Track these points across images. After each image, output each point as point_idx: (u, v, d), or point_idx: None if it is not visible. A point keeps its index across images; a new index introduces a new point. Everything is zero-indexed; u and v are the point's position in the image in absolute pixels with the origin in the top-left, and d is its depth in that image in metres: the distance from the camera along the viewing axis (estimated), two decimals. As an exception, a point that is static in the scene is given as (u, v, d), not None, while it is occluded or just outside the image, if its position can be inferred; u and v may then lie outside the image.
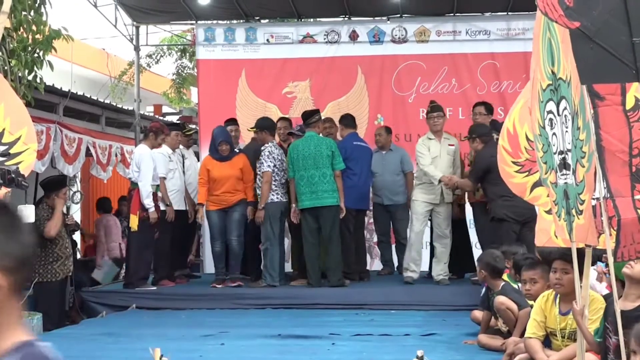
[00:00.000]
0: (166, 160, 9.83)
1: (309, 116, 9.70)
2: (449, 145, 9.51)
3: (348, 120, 10.17)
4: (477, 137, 8.86)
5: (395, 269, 10.56)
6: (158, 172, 9.65)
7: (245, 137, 11.10)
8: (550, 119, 4.23)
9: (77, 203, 12.02)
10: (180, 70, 18.45)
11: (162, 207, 9.82)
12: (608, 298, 5.12)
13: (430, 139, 9.49)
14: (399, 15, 12.00)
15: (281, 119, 10.77)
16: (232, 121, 10.77)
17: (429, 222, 9.65)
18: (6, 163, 5.03)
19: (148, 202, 9.46)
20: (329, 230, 9.36)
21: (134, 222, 9.41)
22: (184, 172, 10.29)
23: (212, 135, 9.81)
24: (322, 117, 10.35)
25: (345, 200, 9.39)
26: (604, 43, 3.29)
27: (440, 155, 9.40)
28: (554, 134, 4.22)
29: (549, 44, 4.08)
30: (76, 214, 11.77)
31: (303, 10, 12.30)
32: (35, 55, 8.04)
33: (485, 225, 9.01)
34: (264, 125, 9.94)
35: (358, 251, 9.95)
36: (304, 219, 9.41)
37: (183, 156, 10.39)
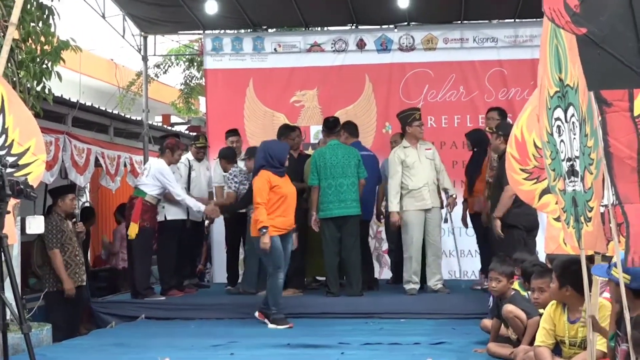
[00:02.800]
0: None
1: (334, 125, 9.71)
2: (426, 149, 9.50)
3: (352, 129, 10.13)
4: (503, 136, 8.43)
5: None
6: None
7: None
8: (558, 126, 4.23)
9: (86, 213, 12.04)
10: (188, 80, 18.51)
11: (170, 217, 9.85)
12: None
13: (405, 147, 9.45)
14: (406, 23, 12.00)
15: (294, 127, 10.60)
16: (234, 132, 10.77)
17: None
18: (15, 174, 5.04)
19: (198, 206, 9.68)
20: (353, 239, 9.41)
21: (133, 230, 9.41)
22: (189, 182, 10.29)
23: (266, 148, 8.51)
24: None
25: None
26: (611, 49, 3.28)
27: (420, 160, 9.37)
28: (562, 141, 4.21)
29: (556, 50, 4.08)
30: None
31: (310, 19, 12.32)
32: (44, 66, 8.07)
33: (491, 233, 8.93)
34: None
35: (365, 261, 9.94)
36: (327, 228, 9.36)
37: (190, 167, 10.38)
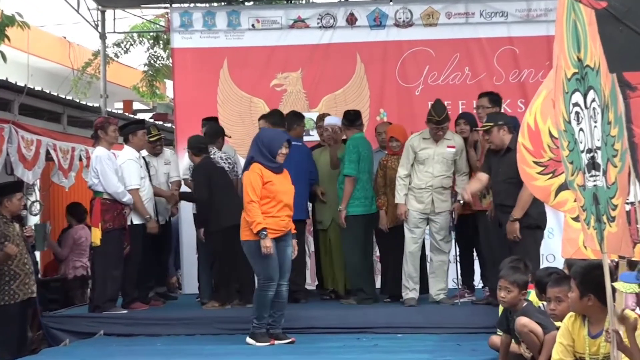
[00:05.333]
0: (137, 167, 9.81)
1: (356, 117, 9.97)
2: (448, 147, 9.46)
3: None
4: (505, 125, 8.56)
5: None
6: (131, 182, 9.69)
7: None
8: (577, 113, 4.24)
9: (35, 214, 12.03)
10: (152, 61, 18.44)
11: (136, 221, 9.83)
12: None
13: (425, 138, 9.48)
14: (403, -5, 12.00)
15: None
16: (211, 120, 10.79)
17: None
18: (-48, 170, 5.03)
19: (128, 199, 9.57)
20: (370, 241, 9.93)
21: (96, 236, 9.40)
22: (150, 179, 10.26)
23: (260, 139, 8.45)
24: (319, 113, 10.96)
25: None
26: (635, 25, 3.29)
27: (434, 157, 9.40)
28: (581, 129, 4.22)
29: (574, 26, 4.09)
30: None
31: (293, -10, 12.31)
32: (-15, 45, 8.05)
33: (495, 237, 8.94)
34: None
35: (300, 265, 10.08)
36: (358, 227, 9.64)
37: (147, 164, 10.33)
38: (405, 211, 9.36)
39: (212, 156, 10.05)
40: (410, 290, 9.42)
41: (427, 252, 9.85)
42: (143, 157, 10.36)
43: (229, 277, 9.79)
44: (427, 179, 9.38)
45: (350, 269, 9.82)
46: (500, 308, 6.86)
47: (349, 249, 9.72)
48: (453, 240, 9.71)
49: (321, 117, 10.66)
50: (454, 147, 9.48)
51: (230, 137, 10.82)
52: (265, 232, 8.05)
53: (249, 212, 8.14)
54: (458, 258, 10.01)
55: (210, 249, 9.95)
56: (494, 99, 9.55)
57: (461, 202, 9.42)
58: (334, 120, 10.28)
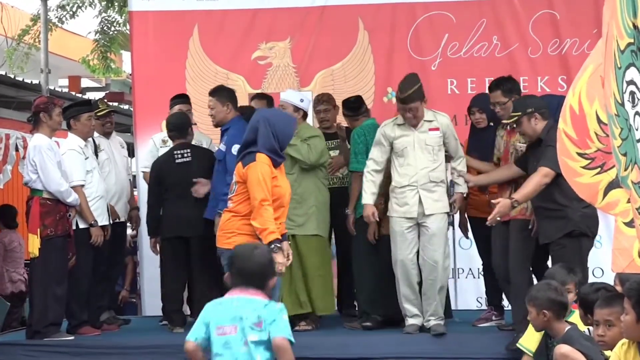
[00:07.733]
0: (82, 159, 9.77)
1: (361, 103, 10.24)
2: (430, 130, 9.38)
3: (230, 95, 10.08)
4: (536, 111, 8.49)
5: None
6: (73, 178, 9.67)
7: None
8: (632, 93, 4.25)
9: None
10: (106, 27, 18.43)
11: (82, 225, 9.80)
12: None
13: (399, 125, 9.38)
14: (416, -55, 12.01)
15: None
16: (182, 98, 10.81)
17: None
18: None
19: (73, 199, 9.51)
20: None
21: (34, 244, 9.37)
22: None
23: (271, 122, 8.22)
24: (312, 92, 11.04)
25: None
26: None
27: (414, 146, 9.30)
28: (637, 113, 4.23)
29: (628, -15, 4.10)
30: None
31: (280, -61, 12.30)
32: None
33: (525, 249, 8.97)
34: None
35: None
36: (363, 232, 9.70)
37: (97, 147, 10.28)
38: (373, 212, 9.30)
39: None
40: (410, 317, 9.31)
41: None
42: (92, 139, 10.32)
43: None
44: (409, 174, 9.27)
45: (358, 283, 9.90)
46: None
47: (355, 258, 9.84)
48: (475, 250, 9.71)
49: (319, 99, 10.60)
50: (437, 129, 9.37)
51: (195, 124, 10.78)
52: (279, 245, 7.85)
53: (260, 216, 7.85)
54: (483, 273, 10.02)
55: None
56: (508, 88, 9.31)
57: (463, 193, 9.42)
58: (291, 96, 10.06)
